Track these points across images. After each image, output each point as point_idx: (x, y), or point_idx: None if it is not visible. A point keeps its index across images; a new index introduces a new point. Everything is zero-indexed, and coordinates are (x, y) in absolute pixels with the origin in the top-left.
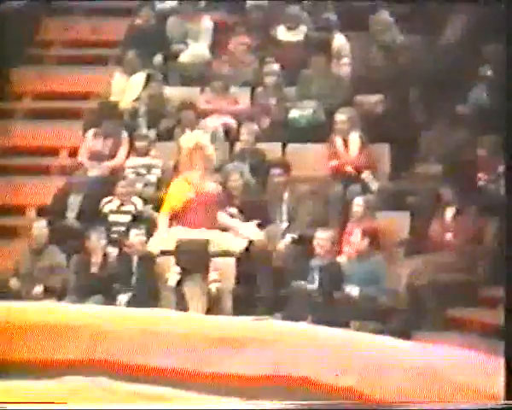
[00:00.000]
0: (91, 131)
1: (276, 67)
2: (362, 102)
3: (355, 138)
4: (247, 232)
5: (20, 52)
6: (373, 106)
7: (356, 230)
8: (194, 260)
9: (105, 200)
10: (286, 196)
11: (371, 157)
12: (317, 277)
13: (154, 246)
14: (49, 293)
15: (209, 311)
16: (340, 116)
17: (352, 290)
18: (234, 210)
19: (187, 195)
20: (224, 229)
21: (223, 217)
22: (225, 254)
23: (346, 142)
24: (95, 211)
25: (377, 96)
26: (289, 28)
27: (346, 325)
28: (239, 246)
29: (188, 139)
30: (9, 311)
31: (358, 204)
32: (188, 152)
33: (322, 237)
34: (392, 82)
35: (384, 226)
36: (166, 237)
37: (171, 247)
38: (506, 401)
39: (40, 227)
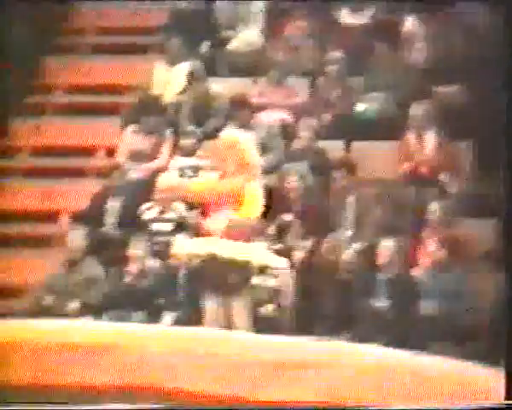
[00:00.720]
0: (131, 128)
1: (338, 54)
2: (438, 94)
3: (431, 135)
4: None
5: (51, 41)
6: (451, 98)
7: (432, 239)
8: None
9: (144, 206)
10: (350, 200)
11: (450, 157)
12: (385, 292)
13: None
14: (85, 309)
15: (263, 330)
16: (415, 110)
17: (429, 307)
18: (289, 217)
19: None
20: None
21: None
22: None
23: (420, 139)
24: (135, 218)
25: (456, 87)
26: (354, 10)
27: (422, 347)
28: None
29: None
30: (42, 330)
31: (435, 210)
32: (219, 152)
33: (387, 247)
34: (475, 70)
35: (465, 235)
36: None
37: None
38: (506, 401)
39: (76, 237)
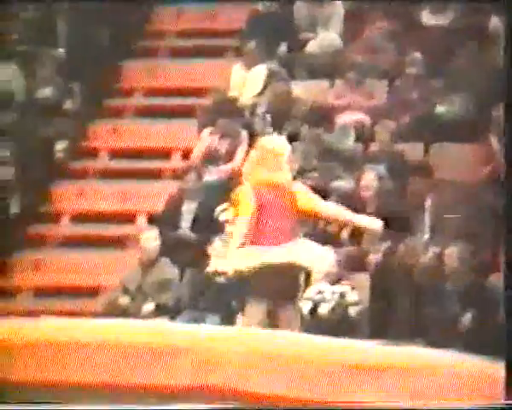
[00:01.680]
0: (207, 131)
1: (418, 55)
2: None
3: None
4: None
5: (130, 44)
6: None
7: None
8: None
9: (219, 208)
10: (428, 203)
11: None
12: (460, 297)
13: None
14: (160, 311)
15: (338, 333)
16: (497, 112)
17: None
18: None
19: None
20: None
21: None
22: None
23: (502, 142)
24: (210, 220)
25: None
26: (435, 11)
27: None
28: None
29: (267, 141)
30: (118, 330)
31: None
32: (259, 156)
33: (452, 254)
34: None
35: None
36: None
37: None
38: (506, 401)
39: (151, 237)
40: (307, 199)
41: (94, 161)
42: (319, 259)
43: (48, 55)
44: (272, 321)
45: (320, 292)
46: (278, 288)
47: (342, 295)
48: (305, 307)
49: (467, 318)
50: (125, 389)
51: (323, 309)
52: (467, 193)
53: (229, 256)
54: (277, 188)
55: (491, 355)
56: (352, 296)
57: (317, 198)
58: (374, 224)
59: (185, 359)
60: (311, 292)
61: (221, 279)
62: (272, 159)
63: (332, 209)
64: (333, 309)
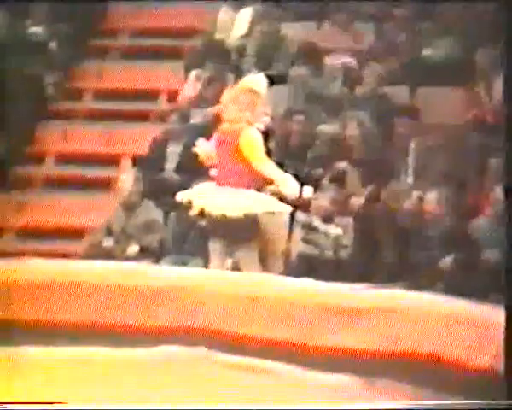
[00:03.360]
0: (194, 73)
1: None
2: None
3: (499, 82)
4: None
5: None
6: None
7: (497, 187)
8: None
9: (199, 142)
10: (412, 147)
11: None
12: (443, 241)
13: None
14: (145, 253)
15: (321, 277)
16: (482, 56)
17: (492, 256)
18: (343, 164)
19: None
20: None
21: (268, 167)
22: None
23: (488, 86)
24: (196, 163)
25: None
26: None
27: (483, 296)
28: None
29: (245, 80)
30: (101, 271)
31: (498, 159)
32: (235, 94)
33: (431, 199)
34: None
35: None
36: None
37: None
38: (506, 401)
39: (128, 179)
40: (249, 149)
41: (79, 103)
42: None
43: None
44: (234, 264)
45: (313, 229)
46: (237, 231)
47: (336, 238)
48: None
49: (448, 261)
50: (108, 329)
51: (315, 250)
52: (452, 136)
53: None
54: (233, 132)
55: (473, 297)
56: (345, 240)
57: (257, 150)
58: (289, 189)
59: (169, 301)
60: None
61: (202, 222)
62: (246, 97)
63: (264, 167)
64: (325, 251)
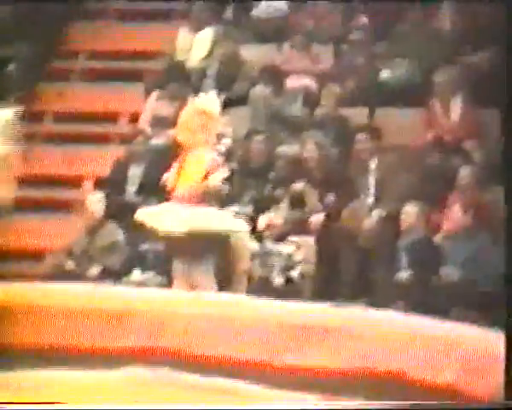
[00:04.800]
0: (154, 94)
1: (363, 20)
2: (466, 61)
3: (457, 103)
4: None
5: (77, 6)
6: (479, 64)
7: (457, 204)
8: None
9: (167, 175)
10: (373, 166)
11: (476, 124)
12: (406, 258)
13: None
14: (107, 274)
15: (283, 296)
16: (440, 76)
17: (451, 274)
18: (300, 185)
19: None
20: None
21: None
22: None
23: (446, 106)
24: (157, 184)
25: (484, 53)
26: None
27: (444, 313)
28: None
29: (198, 101)
30: (63, 294)
31: (464, 175)
32: (189, 116)
33: (410, 212)
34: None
35: (490, 202)
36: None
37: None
38: (506, 401)
39: (96, 201)
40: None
41: (39, 125)
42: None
43: None
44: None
45: (266, 253)
46: (191, 250)
47: (289, 256)
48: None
49: (410, 278)
50: (71, 351)
51: (271, 271)
52: (411, 156)
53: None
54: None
55: (434, 314)
56: (298, 257)
57: (210, 173)
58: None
59: (132, 322)
60: (257, 252)
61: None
62: (198, 119)
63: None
64: (280, 270)
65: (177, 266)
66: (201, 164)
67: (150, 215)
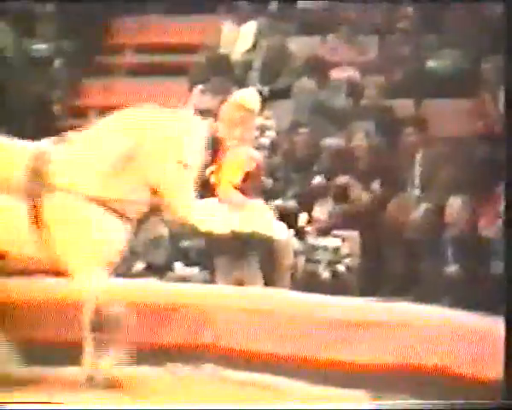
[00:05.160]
0: (198, 88)
1: (410, 9)
2: None
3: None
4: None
5: (122, 0)
6: None
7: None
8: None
9: (208, 170)
10: (419, 158)
11: None
12: (452, 251)
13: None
14: (151, 270)
15: (329, 291)
16: (487, 66)
17: (498, 268)
18: (345, 178)
19: None
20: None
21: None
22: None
23: (494, 96)
24: (200, 178)
25: None
26: None
27: (491, 309)
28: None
29: (237, 96)
30: (107, 289)
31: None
32: (229, 111)
33: (454, 205)
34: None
35: None
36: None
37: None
38: (506, 401)
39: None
40: (229, 171)
41: (85, 120)
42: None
43: (43, 12)
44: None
45: (311, 248)
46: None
47: (335, 250)
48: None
49: (453, 269)
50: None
51: (317, 266)
52: (458, 148)
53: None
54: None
55: (482, 310)
56: (344, 250)
57: (233, 176)
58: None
59: (177, 318)
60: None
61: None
62: (237, 114)
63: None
64: (327, 265)
65: (220, 263)
66: (240, 163)
67: (197, 212)
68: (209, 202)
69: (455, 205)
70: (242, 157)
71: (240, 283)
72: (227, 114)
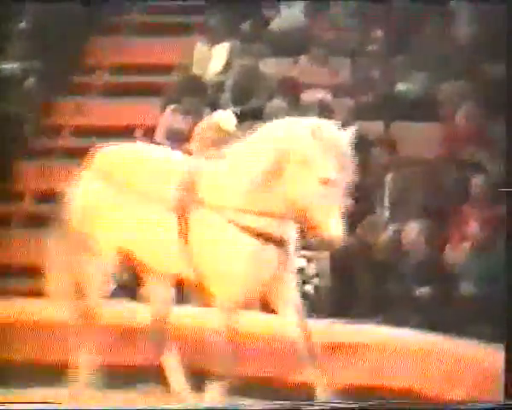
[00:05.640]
0: (170, 108)
1: (380, 33)
2: (483, 72)
3: (471, 114)
4: None
5: (98, 20)
6: (495, 75)
7: (473, 221)
8: None
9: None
10: (389, 179)
11: (489, 136)
12: (419, 274)
13: None
14: (121, 291)
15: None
16: (453, 89)
17: (468, 289)
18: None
19: None
20: None
21: None
22: None
23: (461, 119)
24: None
25: (500, 63)
26: None
27: (459, 330)
28: None
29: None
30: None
31: (476, 187)
32: (202, 129)
33: (411, 230)
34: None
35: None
36: None
37: None
38: (506, 401)
39: None
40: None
41: (57, 140)
42: None
43: (15, 31)
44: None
45: None
46: None
47: (302, 271)
48: None
49: (424, 291)
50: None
51: None
52: (428, 170)
53: None
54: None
55: (450, 332)
56: (311, 271)
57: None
58: None
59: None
60: None
61: None
62: (213, 134)
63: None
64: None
65: None
66: None
67: None
68: None
69: (409, 230)
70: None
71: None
72: (202, 134)
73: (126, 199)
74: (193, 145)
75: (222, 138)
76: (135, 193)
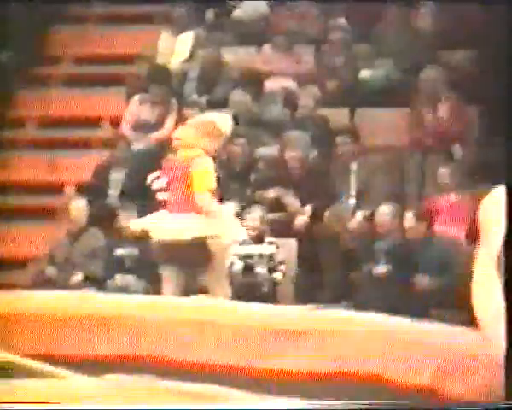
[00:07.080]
0: (136, 98)
1: (343, 20)
2: (447, 60)
3: (438, 102)
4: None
5: (58, 11)
6: (460, 64)
7: (439, 203)
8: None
9: (152, 176)
10: (354, 167)
11: (458, 124)
12: (384, 260)
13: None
14: (89, 281)
15: (265, 299)
16: (424, 76)
17: (423, 280)
18: (275, 190)
19: None
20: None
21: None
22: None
23: (427, 107)
24: (139, 188)
25: (466, 53)
26: None
27: (423, 315)
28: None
29: (210, 115)
30: (44, 301)
31: (443, 175)
32: (196, 122)
33: (383, 213)
34: (485, 35)
35: (469, 202)
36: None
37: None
38: (506, 402)
39: (79, 207)
40: (198, 180)
41: (21, 131)
42: (229, 230)
43: None
44: (193, 288)
45: (248, 256)
46: (188, 256)
47: (270, 257)
48: (236, 268)
49: (386, 279)
50: (56, 359)
51: (252, 273)
52: (391, 157)
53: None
54: (187, 159)
55: (415, 316)
56: (279, 257)
57: (204, 184)
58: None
59: (115, 329)
60: (238, 255)
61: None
62: (207, 128)
63: (206, 204)
64: (262, 272)
65: (168, 273)
66: (211, 169)
67: (145, 224)
68: (158, 214)
69: (382, 214)
70: (211, 164)
71: (187, 292)
72: (200, 124)
73: None
74: (190, 130)
75: (217, 135)
76: None
